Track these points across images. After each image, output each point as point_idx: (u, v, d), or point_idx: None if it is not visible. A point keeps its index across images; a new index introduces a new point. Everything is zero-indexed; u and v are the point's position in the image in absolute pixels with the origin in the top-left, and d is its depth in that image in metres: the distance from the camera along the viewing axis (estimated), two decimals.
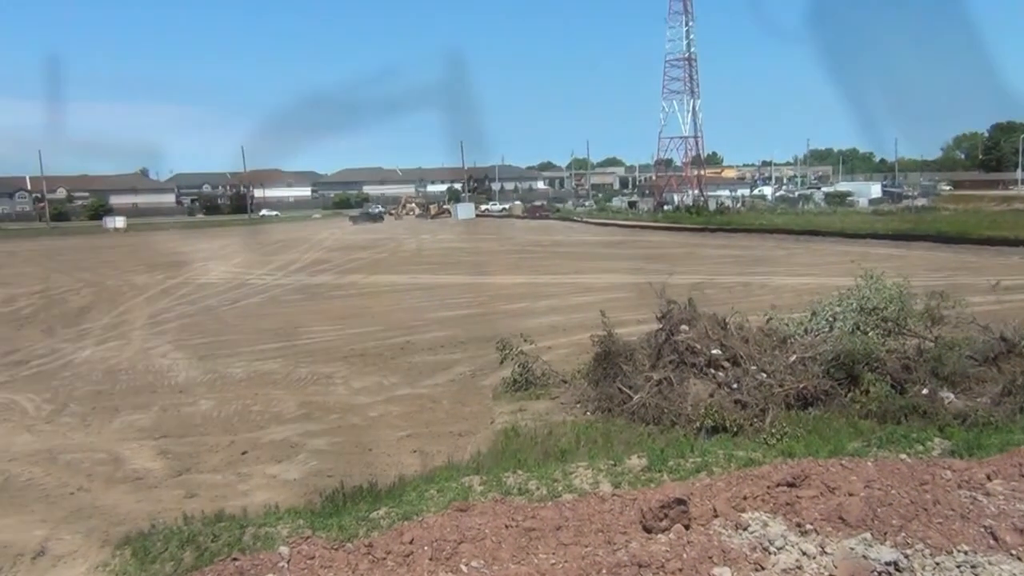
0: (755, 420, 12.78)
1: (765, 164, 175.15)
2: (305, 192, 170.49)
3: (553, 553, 6.88)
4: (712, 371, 13.93)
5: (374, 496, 10.32)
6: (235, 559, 7.11)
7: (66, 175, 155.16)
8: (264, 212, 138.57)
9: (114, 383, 19.38)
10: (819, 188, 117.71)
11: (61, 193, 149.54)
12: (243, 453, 13.72)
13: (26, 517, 11.12)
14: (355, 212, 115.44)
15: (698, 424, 12.78)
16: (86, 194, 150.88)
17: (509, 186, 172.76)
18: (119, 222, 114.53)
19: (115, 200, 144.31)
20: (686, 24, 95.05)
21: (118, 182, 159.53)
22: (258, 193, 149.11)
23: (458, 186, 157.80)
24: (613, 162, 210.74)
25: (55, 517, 11.04)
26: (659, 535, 6.95)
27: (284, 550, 7.08)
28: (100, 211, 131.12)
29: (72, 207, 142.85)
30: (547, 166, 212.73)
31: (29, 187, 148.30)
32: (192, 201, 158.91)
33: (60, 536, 10.27)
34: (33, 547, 9.89)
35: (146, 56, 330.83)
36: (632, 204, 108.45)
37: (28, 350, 23.96)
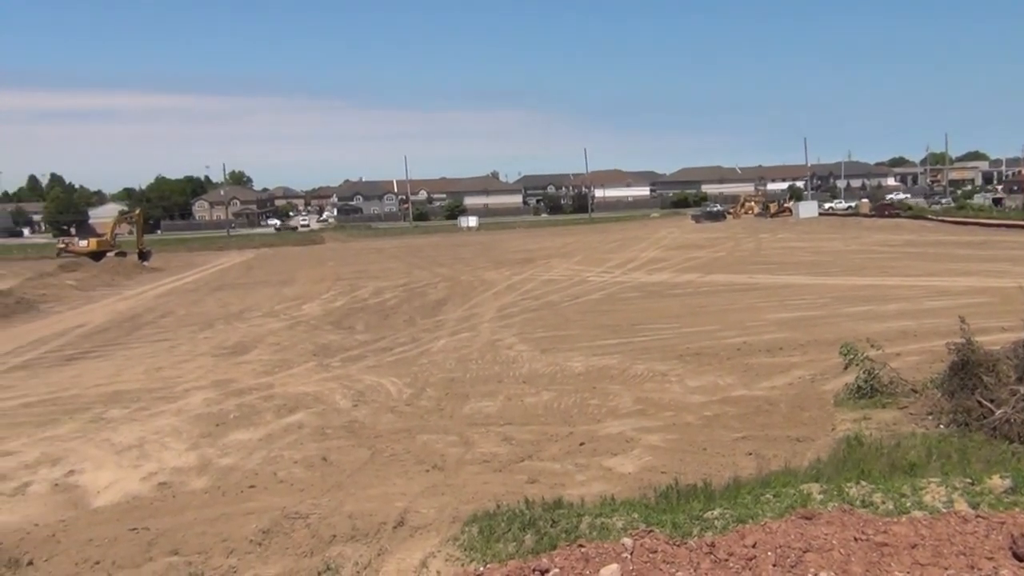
0: None
1: None
2: (644, 191, 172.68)
3: (908, 573, 6.38)
4: None
5: (708, 496, 10.17)
6: (581, 545, 7.33)
7: (427, 178, 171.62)
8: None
9: (465, 371, 20.83)
10: None
11: (422, 195, 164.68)
12: (580, 444, 14.15)
13: (388, 489, 12.26)
14: (697, 211, 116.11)
15: None
16: (444, 195, 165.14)
17: (856, 183, 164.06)
18: (472, 221, 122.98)
19: (469, 201, 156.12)
20: None
21: (472, 184, 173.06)
22: (599, 193, 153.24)
23: (800, 184, 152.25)
24: (975, 156, 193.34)
25: (413, 491, 12.04)
26: None
27: (627, 541, 7.17)
28: (455, 211, 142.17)
29: (431, 207, 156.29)
30: (898, 161, 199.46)
31: (395, 190, 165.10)
32: (537, 201, 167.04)
33: (417, 509, 11.17)
34: (394, 517, 10.83)
35: (500, 67, 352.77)
36: (997, 201, 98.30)
37: (392, 338, 26.43)
